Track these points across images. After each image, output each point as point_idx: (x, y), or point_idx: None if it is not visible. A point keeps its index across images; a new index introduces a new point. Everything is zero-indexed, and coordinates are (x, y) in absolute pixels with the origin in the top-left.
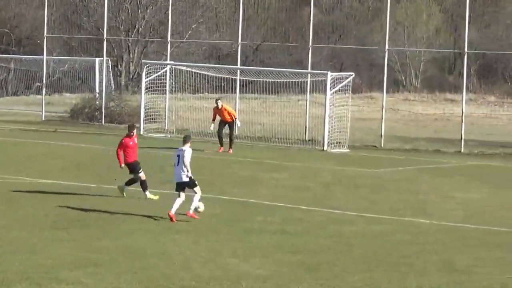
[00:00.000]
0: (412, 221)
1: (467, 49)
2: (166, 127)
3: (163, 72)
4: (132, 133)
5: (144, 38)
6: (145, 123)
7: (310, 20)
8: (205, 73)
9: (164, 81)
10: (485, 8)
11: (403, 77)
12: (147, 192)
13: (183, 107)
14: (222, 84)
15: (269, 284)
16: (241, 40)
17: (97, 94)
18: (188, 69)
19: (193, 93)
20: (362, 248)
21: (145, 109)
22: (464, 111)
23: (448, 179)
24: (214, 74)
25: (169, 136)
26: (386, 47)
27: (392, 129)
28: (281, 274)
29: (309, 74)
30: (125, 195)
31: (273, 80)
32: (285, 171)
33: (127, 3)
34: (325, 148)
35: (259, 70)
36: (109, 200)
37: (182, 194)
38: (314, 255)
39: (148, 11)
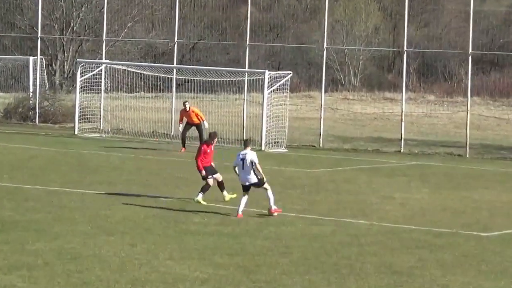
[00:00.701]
0: (352, 222)
1: (406, 48)
2: (101, 127)
3: (98, 71)
4: (212, 142)
5: (79, 36)
6: (80, 123)
7: (247, 18)
8: (141, 72)
9: (99, 80)
10: (424, 6)
11: (341, 76)
12: (200, 196)
13: (118, 106)
14: (158, 83)
15: (207, 287)
16: (178, 39)
17: (31, 94)
18: (124, 68)
19: (128, 92)
20: (301, 250)
21: (80, 109)
22: (403, 110)
23: (388, 179)
24: (150, 73)
25: (104, 136)
26: (325, 45)
27: (331, 128)
28: (218, 277)
29: (246, 73)
30: (205, 203)
31: (210, 79)
32: (222, 172)
33: (61, 1)
34: (263, 148)
35: (196, 69)
36: (43, 202)
37: (247, 195)
38: (252, 257)
39: (83, 9)
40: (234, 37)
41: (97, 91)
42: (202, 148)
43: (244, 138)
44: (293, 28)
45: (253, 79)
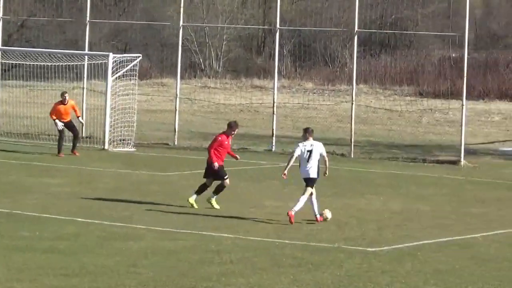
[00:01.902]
0: (213, 236)
1: (279, 25)
2: None
3: None
4: (233, 132)
5: None
6: None
7: None
8: None
9: None
10: None
11: (201, 60)
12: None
13: None
14: None
15: None
16: (2, 15)
17: None
18: None
19: None
20: (152, 269)
21: None
22: (275, 100)
23: (257, 184)
24: None
25: None
26: (181, 22)
27: (188, 123)
28: None
29: (86, 56)
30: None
31: (42, 63)
32: (57, 176)
33: None
34: (107, 146)
35: (25, 51)
36: None
37: (309, 189)
38: (93, 278)
39: None
40: (72, 13)
41: None
42: (220, 138)
43: (306, 127)
44: (143, 1)
45: (94, 64)
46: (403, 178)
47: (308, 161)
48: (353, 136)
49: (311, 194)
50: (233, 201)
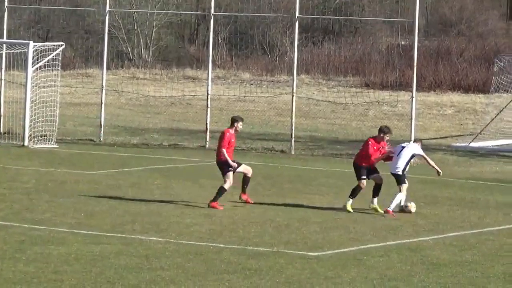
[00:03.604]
0: (142, 240)
1: (214, 11)
2: None
3: None
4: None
5: None
6: None
7: None
8: None
9: None
10: None
11: (129, 48)
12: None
13: None
14: None
15: None
16: None
17: None
18: None
19: None
20: (75, 276)
21: None
22: (209, 92)
23: (190, 183)
24: None
25: None
26: (107, 8)
27: (114, 117)
28: None
29: (4, 45)
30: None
31: None
32: None
33: None
34: (26, 143)
35: None
36: None
37: (404, 186)
38: (11, 286)
39: None
40: None
41: None
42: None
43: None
44: None
45: (13, 53)
46: (348, 176)
47: (398, 155)
48: (293, 131)
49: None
50: (163, 201)
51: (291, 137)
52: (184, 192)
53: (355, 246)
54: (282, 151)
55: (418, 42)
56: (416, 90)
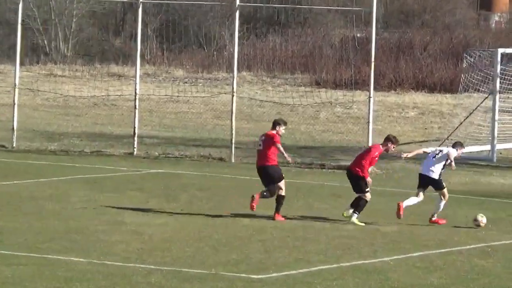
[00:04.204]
0: (61, 260)
1: None
2: None
3: None
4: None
5: None
6: None
7: None
8: None
9: None
10: None
11: (45, 41)
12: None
13: None
14: None
15: None
16: None
17: None
18: None
19: None
20: None
21: None
22: (138, 92)
23: (115, 196)
24: None
25: None
26: None
27: (29, 119)
28: None
29: None
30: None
31: None
32: None
33: None
34: None
35: None
36: None
37: (421, 194)
38: None
39: None
40: None
41: None
42: (377, 153)
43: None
44: None
45: None
46: (298, 187)
47: (433, 157)
48: (234, 135)
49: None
50: (85, 217)
51: (231, 143)
52: (108, 206)
53: (304, 267)
54: (220, 159)
55: (376, 34)
56: (374, 89)
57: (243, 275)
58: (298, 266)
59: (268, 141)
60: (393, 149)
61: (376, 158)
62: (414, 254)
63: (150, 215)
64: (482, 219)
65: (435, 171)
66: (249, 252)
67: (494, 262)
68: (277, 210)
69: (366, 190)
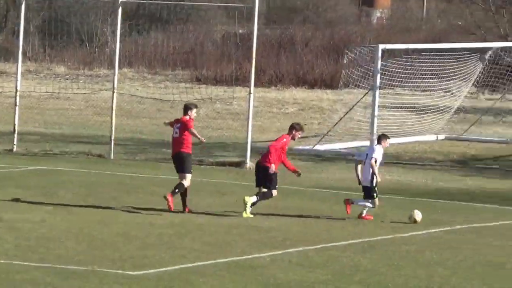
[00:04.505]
0: None
1: None
2: None
3: None
4: (296, 135)
5: None
6: None
7: None
8: None
9: None
10: None
11: None
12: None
13: None
14: None
15: None
16: None
17: None
18: None
19: None
20: None
21: None
22: (18, 89)
23: None
24: None
25: None
26: None
27: None
28: None
29: None
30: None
31: None
32: None
33: None
34: None
35: None
36: None
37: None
38: None
39: None
40: None
41: None
42: (285, 140)
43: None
44: None
45: None
46: (174, 184)
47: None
48: (113, 132)
49: None
50: None
51: (111, 139)
52: None
53: (181, 264)
54: (100, 156)
55: (258, 30)
56: (255, 85)
57: (120, 271)
58: (175, 262)
59: (183, 126)
60: (299, 135)
61: (284, 149)
62: (291, 250)
63: (28, 212)
64: (417, 216)
65: (368, 178)
66: (127, 249)
67: (371, 257)
68: (173, 192)
69: (275, 186)
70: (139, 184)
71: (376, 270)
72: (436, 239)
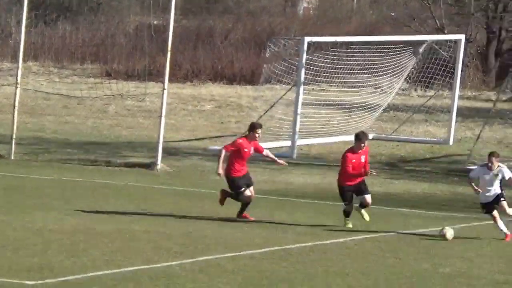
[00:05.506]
0: None
1: None
2: None
3: None
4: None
5: None
6: None
7: None
8: None
9: None
10: None
11: None
12: None
13: None
14: None
15: None
16: None
17: None
18: None
19: None
20: None
21: None
22: None
23: None
24: None
25: None
26: None
27: None
28: None
29: None
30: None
31: None
32: None
33: None
34: None
35: None
36: None
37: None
38: None
39: None
40: None
41: None
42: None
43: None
44: None
45: None
46: (81, 186)
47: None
48: (15, 130)
49: None
50: None
51: (11, 138)
52: None
53: (82, 273)
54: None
55: (175, 21)
56: (169, 80)
57: (16, 280)
58: (76, 271)
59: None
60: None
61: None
62: (201, 258)
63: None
64: (447, 232)
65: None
66: (24, 256)
67: (287, 266)
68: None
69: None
70: (40, 186)
71: (288, 279)
72: (358, 246)
